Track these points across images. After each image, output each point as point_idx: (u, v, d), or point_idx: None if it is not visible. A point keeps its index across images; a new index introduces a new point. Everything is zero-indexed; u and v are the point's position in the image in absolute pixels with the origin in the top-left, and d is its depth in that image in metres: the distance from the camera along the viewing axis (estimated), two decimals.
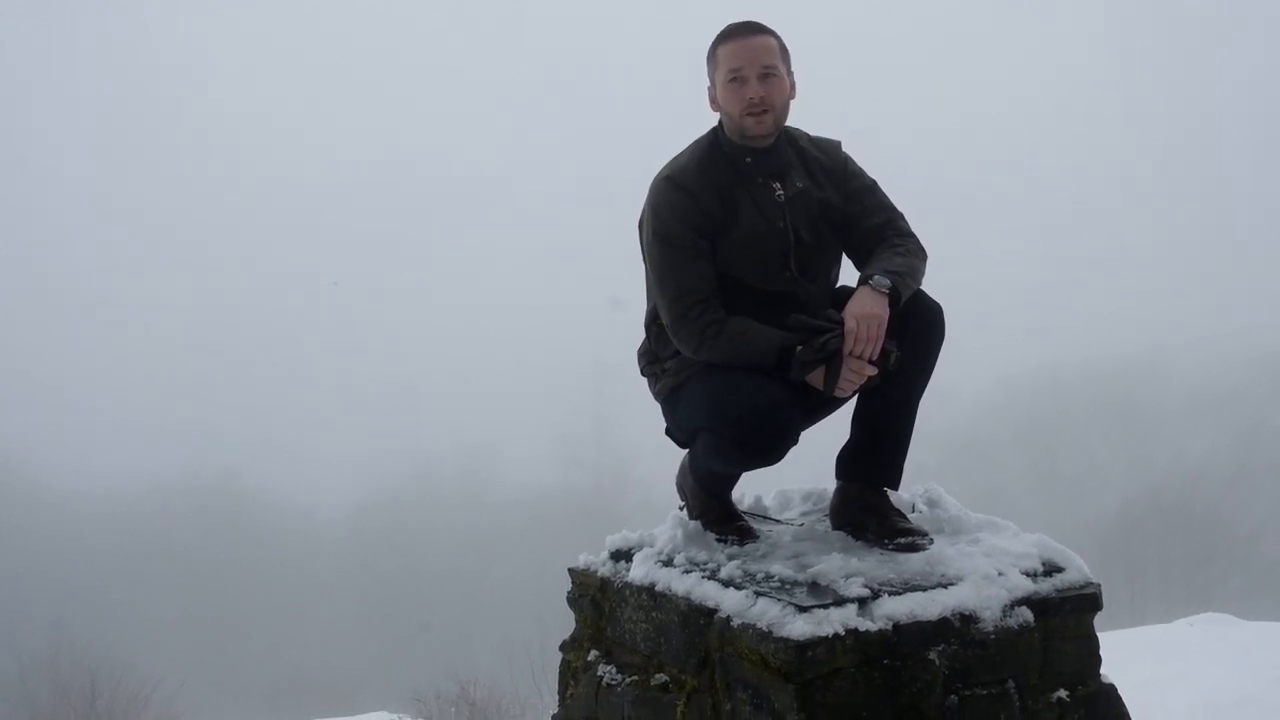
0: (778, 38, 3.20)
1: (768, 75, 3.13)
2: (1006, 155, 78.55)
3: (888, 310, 2.93)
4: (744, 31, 3.17)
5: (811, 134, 3.34)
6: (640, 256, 3.28)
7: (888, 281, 2.96)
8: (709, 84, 3.24)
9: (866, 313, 2.89)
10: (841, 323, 2.91)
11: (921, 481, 3.69)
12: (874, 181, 3.32)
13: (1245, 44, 79.24)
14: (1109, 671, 3.10)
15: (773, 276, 3.16)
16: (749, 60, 3.12)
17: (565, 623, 3.69)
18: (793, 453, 3.06)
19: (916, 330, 3.08)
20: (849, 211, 3.25)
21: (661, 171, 3.22)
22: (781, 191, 3.18)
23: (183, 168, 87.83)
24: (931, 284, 3.22)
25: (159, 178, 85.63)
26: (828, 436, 3.48)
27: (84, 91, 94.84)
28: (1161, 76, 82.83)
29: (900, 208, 3.33)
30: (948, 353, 3.22)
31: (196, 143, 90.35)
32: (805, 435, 3.18)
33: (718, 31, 3.23)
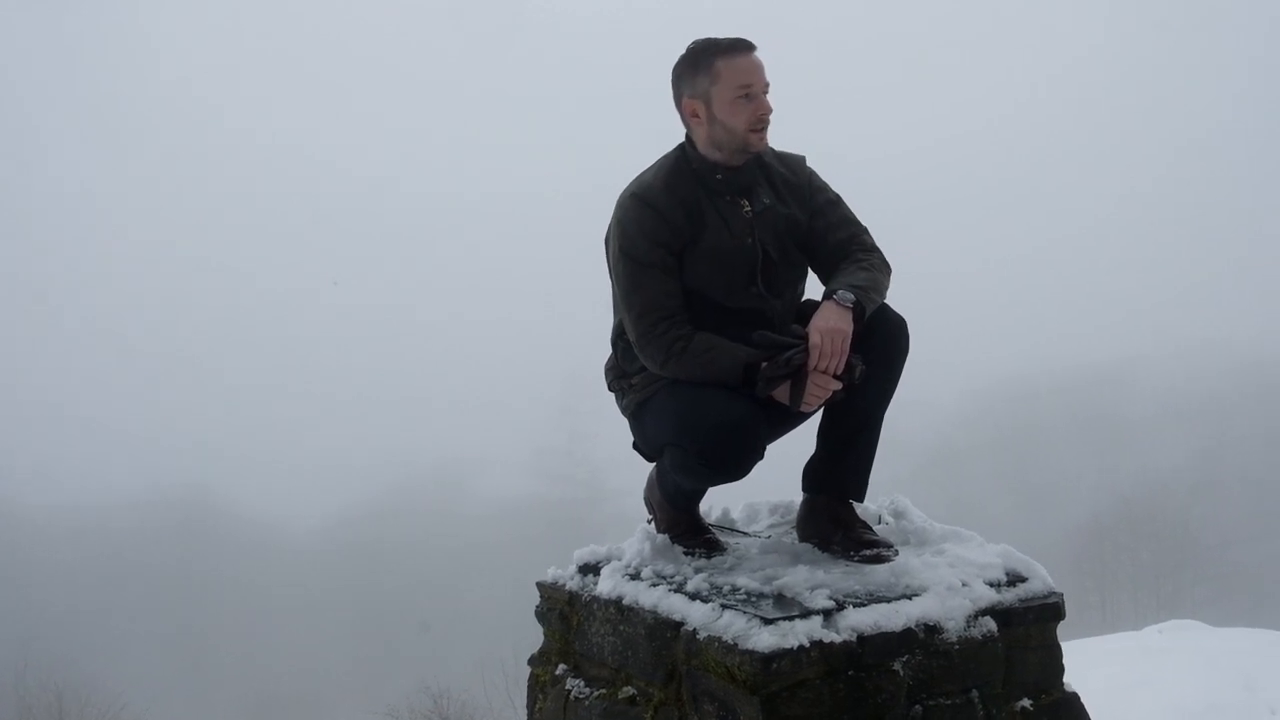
0: None
1: (767, 91, 3.17)
2: (978, 171, 79.30)
3: (852, 325, 2.94)
4: (748, 47, 3.16)
5: (777, 149, 3.36)
6: (606, 272, 3.29)
7: (852, 296, 2.98)
8: (688, 96, 3.19)
9: (830, 328, 2.91)
10: (806, 338, 2.93)
11: (895, 492, 3.72)
12: (839, 196, 3.33)
13: (1230, 67, 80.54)
14: (1080, 678, 3.14)
15: (739, 292, 3.17)
16: (758, 77, 3.14)
17: (539, 636, 3.69)
18: (760, 465, 3.07)
19: (881, 344, 3.10)
20: (814, 226, 3.26)
21: (628, 188, 3.22)
22: (749, 208, 3.19)
23: (171, 178, 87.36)
24: (905, 297, 3.25)
25: (143, 187, 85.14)
26: (795, 449, 3.51)
27: (82, 97, 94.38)
28: (1143, 94, 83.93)
29: (870, 222, 3.34)
30: (921, 364, 3.25)
31: (188, 150, 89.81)
32: (772, 448, 3.20)
33: (705, 44, 3.18)
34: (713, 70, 3.14)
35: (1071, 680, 3.16)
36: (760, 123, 3.14)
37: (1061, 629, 3.16)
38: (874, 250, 3.24)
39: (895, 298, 3.23)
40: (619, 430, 3.44)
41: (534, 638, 3.65)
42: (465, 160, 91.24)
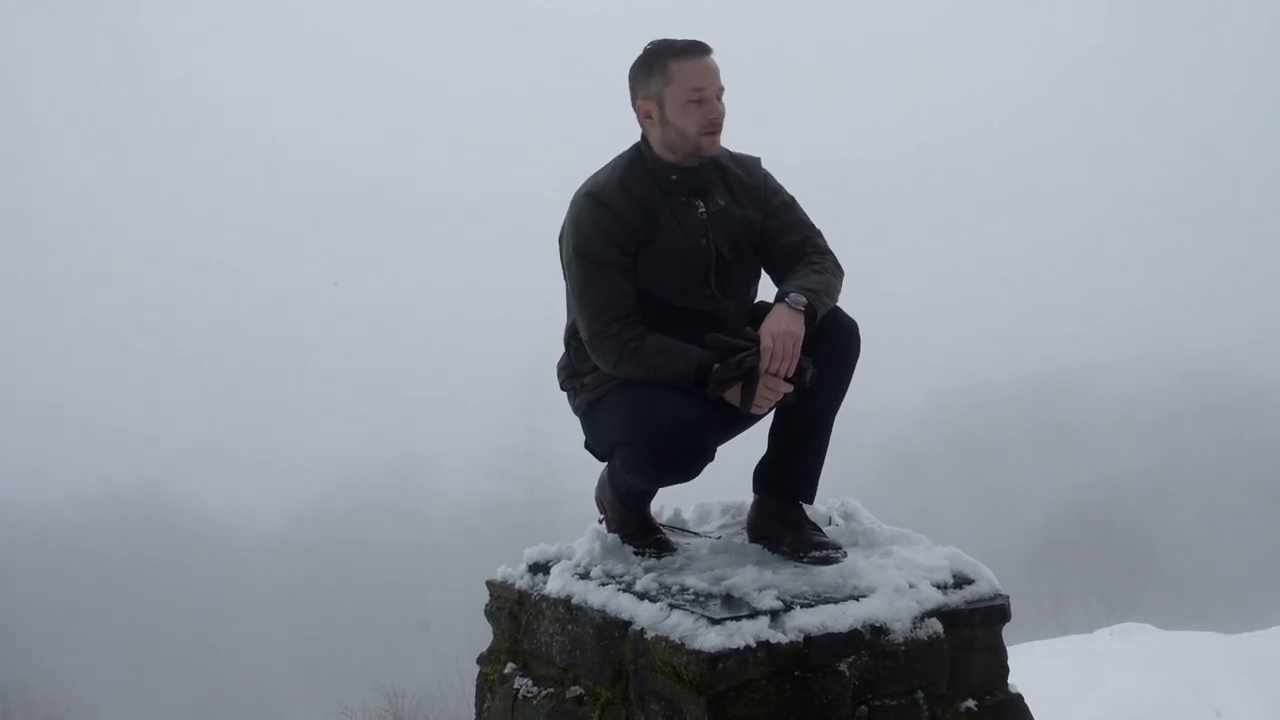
0: None
1: (721, 95, 3.16)
2: (947, 179, 79.97)
3: (803, 328, 2.95)
4: (703, 50, 3.16)
5: (732, 150, 3.37)
6: (560, 271, 3.29)
7: (804, 299, 2.99)
8: (642, 98, 3.20)
9: (782, 331, 2.92)
10: (758, 341, 2.94)
11: (852, 494, 3.74)
12: (793, 198, 3.34)
13: (1228, 69, 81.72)
14: (1032, 680, 3.16)
15: (693, 294, 3.18)
16: (711, 80, 3.13)
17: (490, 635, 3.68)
18: (712, 466, 3.08)
19: (832, 347, 3.11)
20: (768, 228, 3.27)
21: (583, 187, 3.22)
22: (704, 209, 3.20)
23: (171, 178, 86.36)
24: (866, 302, 3.26)
25: (144, 187, 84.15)
26: (747, 450, 3.52)
27: (82, 97, 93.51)
28: (1141, 95, 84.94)
29: (838, 225, 3.35)
30: (883, 368, 3.28)
31: (188, 150, 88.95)
32: (724, 449, 3.21)
33: (659, 45, 3.18)
34: (666, 72, 3.15)
35: (1023, 682, 3.18)
36: (711, 126, 3.14)
37: (1014, 632, 3.19)
38: (827, 253, 3.25)
39: (859, 301, 3.25)
40: (578, 429, 3.44)
41: (489, 637, 3.65)
42: (465, 160, 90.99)
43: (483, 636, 3.67)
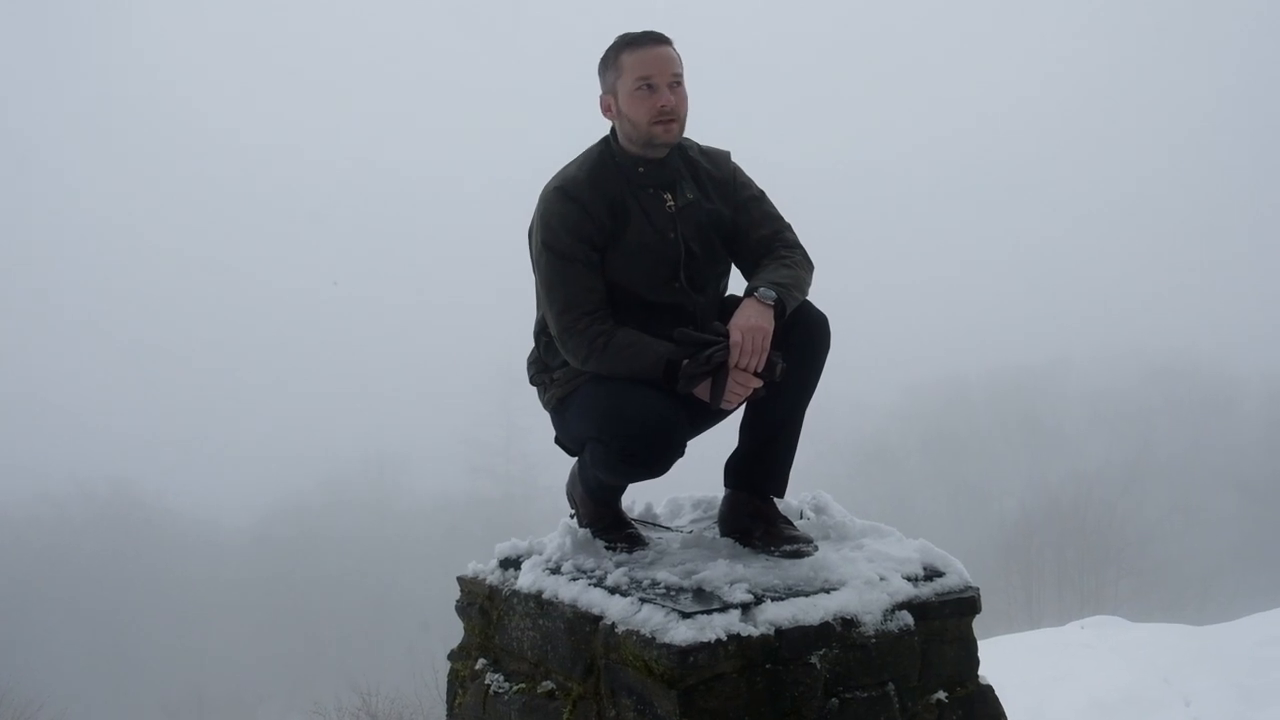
0: (675, 49, 3.22)
1: (676, 84, 3.15)
2: (910, 178, 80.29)
3: (773, 323, 2.95)
4: (653, 40, 3.17)
5: (701, 144, 3.36)
6: (529, 265, 3.27)
7: (773, 294, 2.99)
8: (603, 92, 3.23)
9: (751, 325, 2.91)
10: (727, 335, 2.93)
11: (825, 489, 3.75)
12: (762, 192, 3.34)
13: (1177, 81, 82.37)
14: (1004, 673, 3.16)
15: (662, 287, 3.17)
16: (659, 69, 3.13)
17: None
18: (683, 461, 3.08)
19: (802, 341, 3.12)
20: (738, 222, 3.27)
21: (551, 181, 3.21)
22: (672, 202, 3.19)
23: (170, 176, 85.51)
24: (839, 296, 3.26)
25: (92, 167, 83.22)
26: (718, 445, 3.52)
27: (82, 96, 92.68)
28: (1114, 98, 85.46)
29: (815, 224, 3.35)
30: (857, 363, 3.28)
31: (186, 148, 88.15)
32: (696, 443, 3.21)
33: (617, 39, 3.21)
34: (619, 64, 3.17)
35: (996, 674, 3.19)
36: (661, 115, 3.12)
37: (987, 625, 3.19)
38: (796, 247, 3.25)
39: (837, 297, 3.24)
40: (551, 425, 3.43)
41: (461, 633, 3.64)
42: (441, 153, 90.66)
43: (456, 633, 3.66)
